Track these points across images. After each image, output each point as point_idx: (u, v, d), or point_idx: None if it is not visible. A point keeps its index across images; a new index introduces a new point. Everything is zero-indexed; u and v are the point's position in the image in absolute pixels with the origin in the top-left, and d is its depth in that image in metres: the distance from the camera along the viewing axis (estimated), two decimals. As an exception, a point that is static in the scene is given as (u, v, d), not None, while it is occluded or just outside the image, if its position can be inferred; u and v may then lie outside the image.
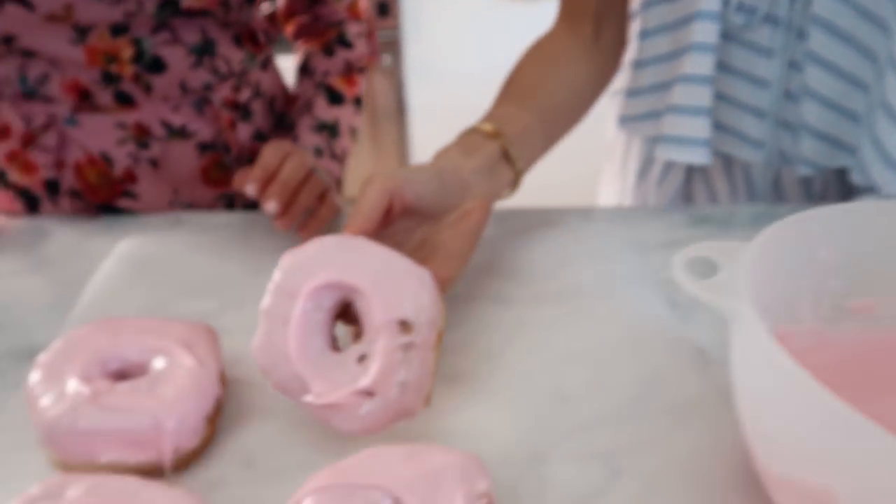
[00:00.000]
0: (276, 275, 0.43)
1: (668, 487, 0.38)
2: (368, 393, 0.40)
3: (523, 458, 0.40)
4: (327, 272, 0.42)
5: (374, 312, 0.43)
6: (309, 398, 0.39)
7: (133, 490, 0.34)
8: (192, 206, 0.73)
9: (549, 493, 0.38)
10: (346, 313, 0.44)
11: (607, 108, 0.81)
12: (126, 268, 0.58)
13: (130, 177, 0.69)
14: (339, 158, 0.74)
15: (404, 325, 0.42)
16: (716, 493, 0.38)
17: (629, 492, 0.38)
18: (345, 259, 0.43)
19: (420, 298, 0.42)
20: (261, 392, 0.45)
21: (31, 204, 0.70)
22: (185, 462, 0.40)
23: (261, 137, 0.75)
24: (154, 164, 0.69)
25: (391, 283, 0.42)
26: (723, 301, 0.36)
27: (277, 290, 0.42)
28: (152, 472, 0.39)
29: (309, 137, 0.72)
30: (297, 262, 0.43)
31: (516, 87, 0.62)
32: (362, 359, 0.42)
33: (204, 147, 0.70)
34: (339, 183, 0.75)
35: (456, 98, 1.78)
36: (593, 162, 1.05)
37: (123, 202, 0.70)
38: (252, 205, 0.76)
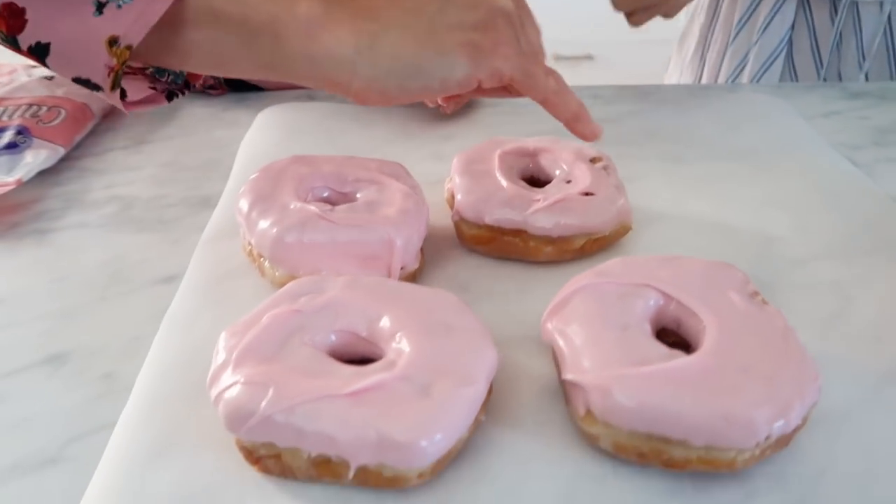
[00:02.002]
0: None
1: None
2: (589, 193, 0.40)
3: (746, 288, 0.39)
4: (512, 143, 0.46)
5: (564, 155, 0.43)
6: (537, 204, 0.39)
7: (393, 286, 0.33)
8: None
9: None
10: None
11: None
12: (276, 131, 0.57)
13: None
14: None
15: (594, 159, 0.44)
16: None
17: (865, 317, 0.37)
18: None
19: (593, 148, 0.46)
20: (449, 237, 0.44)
21: (170, 95, 0.68)
22: (403, 286, 0.39)
23: None
24: None
25: (563, 142, 0.46)
26: None
27: (473, 150, 0.45)
28: (373, 294, 0.38)
29: None
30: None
31: None
32: (569, 181, 0.42)
33: None
34: None
35: None
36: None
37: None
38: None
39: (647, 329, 0.30)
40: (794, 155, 0.52)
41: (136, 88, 0.51)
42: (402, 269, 0.38)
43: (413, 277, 0.39)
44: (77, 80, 0.42)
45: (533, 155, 0.44)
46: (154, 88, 0.54)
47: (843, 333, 0.36)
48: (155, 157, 0.55)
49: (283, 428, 0.27)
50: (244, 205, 0.39)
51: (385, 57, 0.41)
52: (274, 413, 0.27)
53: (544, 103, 0.44)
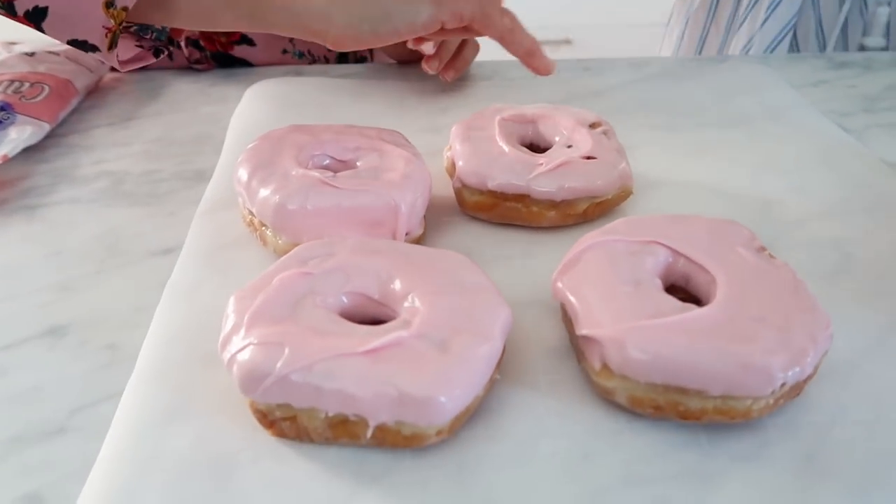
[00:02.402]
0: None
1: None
2: (590, 158, 0.40)
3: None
4: (511, 110, 0.45)
5: (564, 121, 0.43)
6: (540, 168, 0.39)
7: (402, 248, 0.32)
8: (307, 54, 0.70)
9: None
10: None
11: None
12: (268, 105, 0.56)
13: None
14: None
15: (594, 125, 0.43)
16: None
17: (866, 272, 0.38)
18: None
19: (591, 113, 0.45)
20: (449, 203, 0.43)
21: (157, 53, 0.67)
22: (406, 254, 0.39)
23: None
24: None
25: (562, 108, 0.45)
26: None
27: (472, 117, 0.45)
28: (377, 261, 0.38)
29: None
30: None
31: None
32: (569, 147, 0.41)
33: None
34: None
35: None
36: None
37: (240, 50, 0.67)
38: (363, 59, 0.73)
39: (659, 284, 0.31)
40: (787, 122, 0.53)
41: (124, 48, 0.50)
42: (406, 234, 0.38)
43: (417, 244, 0.39)
44: (73, 43, 0.41)
45: (532, 121, 0.44)
46: (140, 46, 0.53)
47: (845, 288, 0.36)
48: (143, 133, 0.54)
49: (301, 387, 0.26)
50: (243, 173, 0.39)
51: (357, 5, 0.46)
52: (291, 372, 0.26)
53: (501, 41, 0.49)
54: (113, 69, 0.67)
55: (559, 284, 0.32)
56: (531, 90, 0.59)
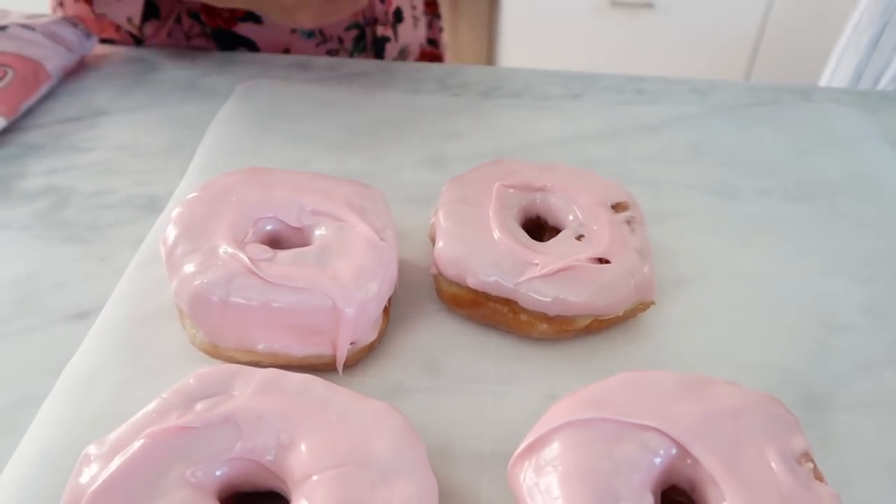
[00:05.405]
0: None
1: None
2: (603, 260, 0.31)
3: (790, 402, 0.30)
4: (518, 172, 0.36)
5: (581, 200, 0.34)
6: (534, 269, 0.30)
7: (319, 394, 0.25)
8: (318, 34, 0.61)
9: (841, 452, 0.28)
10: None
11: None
12: (253, 110, 0.48)
13: None
14: None
15: (618, 206, 0.35)
16: None
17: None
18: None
19: (621, 188, 0.36)
20: (430, 280, 0.36)
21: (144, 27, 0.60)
22: (356, 359, 0.31)
23: None
24: None
25: (585, 176, 0.36)
26: None
27: (468, 177, 0.36)
28: (317, 368, 0.31)
29: None
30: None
31: None
32: (580, 238, 0.33)
33: None
34: None
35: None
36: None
37: (244, 27, 0.59)
38: (380, 47, 0.64)
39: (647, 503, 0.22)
40: (876, 198, 0.42)
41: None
42: (352, 344, 0.30)
43: (369, 350, 0.31)
44: None
45: (542, 189, 0.35)
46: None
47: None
48: (111, 136, 0.47)
49: None
50: (170, 235, 0.32)
51: None
52: None
53: None
54: (103, 40, 0.60)
55: (518, 474, 0.24)
56: (568, 116, 0.49)
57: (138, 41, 0.60)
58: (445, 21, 0.75)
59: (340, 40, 0.62)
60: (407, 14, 0.66)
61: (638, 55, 1.75)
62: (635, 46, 1.75)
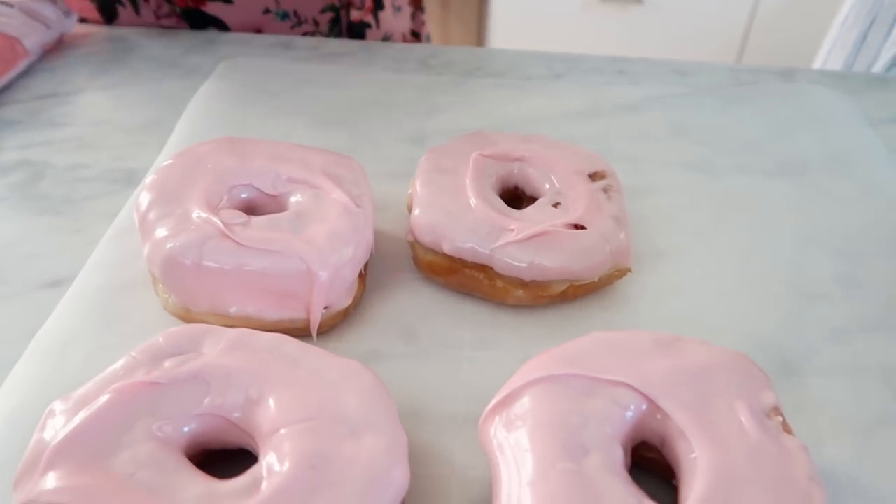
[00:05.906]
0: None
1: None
2: (579, 226, 0.31)
3: (765, 366, 0.30)
4: (496, 143, 0.36)
5: (559, 169, 0.34)
6: (510, 234, 0.30)
7: (290, 352, 0.25)
8: (293, 15, 0.61)
9: (814, 414, 0.29)
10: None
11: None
12: (235, 87, 0.48)
13: None
14: None
15: (595, 175, 0.35)
16: None
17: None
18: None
19: (598, 157, 0.36)
20: (408, 251, 0.36)
21: (107, 7, 0.59)
22: (331, 325, 0.31)
23: None
24: None
25: (562, 147, 0.36)
26: None
27: (447, 147, 0.36)
28: (291, 333, 0.30)
29: None
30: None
31: None
32: (557, 205, 0.33)
33: None
34: None
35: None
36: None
37: (214, 7, 0.58)
38: (358, 32, 0.64)
39: (616, 457, 0.22)
40: (853, 175, 0.42)
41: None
42: (325, 308, 0.30)
43: (343, 315, 0.31)
44: None
45: (519, 160, 0.35)
46: None
47: (891, 447, 0.27)
48: (88, 112, 0.47)
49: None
50: (143, 200, 0.31)
51: None
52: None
53: None
54: (82, 20, 0.60)
55: (489, 429, 0.24)
56: (550, 95, 0.49)
57: (109, 18, 0.60)
58: (435, 15, 0.75)
59: (316, 22, 0.62)
60: (387, 1, 0.66)
61: (628, 50, 1.76)
62: (625, 41, 1.75)
